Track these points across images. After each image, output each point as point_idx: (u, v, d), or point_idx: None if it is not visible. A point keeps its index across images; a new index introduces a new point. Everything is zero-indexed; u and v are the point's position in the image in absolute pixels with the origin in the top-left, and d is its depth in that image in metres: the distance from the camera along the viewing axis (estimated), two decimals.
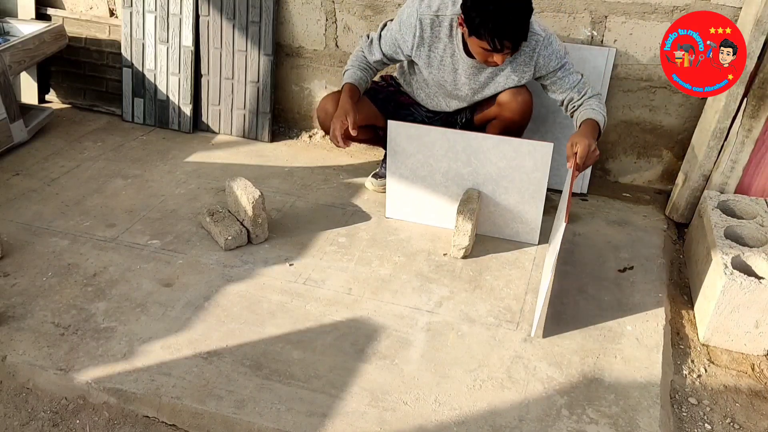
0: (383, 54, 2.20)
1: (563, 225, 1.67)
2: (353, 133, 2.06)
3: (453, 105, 2.29)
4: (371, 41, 2.22)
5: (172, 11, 2.85)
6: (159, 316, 1.86)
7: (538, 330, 1.80)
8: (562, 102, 2.12)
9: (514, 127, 2.20)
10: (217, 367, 1.69)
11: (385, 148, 2.51)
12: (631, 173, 2.66)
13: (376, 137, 2.44)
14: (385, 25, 2.21)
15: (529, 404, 1.61)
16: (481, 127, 2.30)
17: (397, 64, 2.37)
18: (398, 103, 2.39)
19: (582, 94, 2.08)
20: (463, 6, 1.90)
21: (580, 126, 2.02)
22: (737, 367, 1.83)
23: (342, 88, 2.19)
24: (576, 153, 1.85)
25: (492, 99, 2.21)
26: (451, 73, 2.15)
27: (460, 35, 2.06)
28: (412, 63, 2.24)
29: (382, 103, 2.36)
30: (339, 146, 2.12)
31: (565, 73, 2.08)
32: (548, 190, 2.21)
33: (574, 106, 2.09)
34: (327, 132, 2.36)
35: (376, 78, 2.46)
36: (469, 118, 2.35)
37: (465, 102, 2.26)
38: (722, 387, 1.77)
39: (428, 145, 2.15)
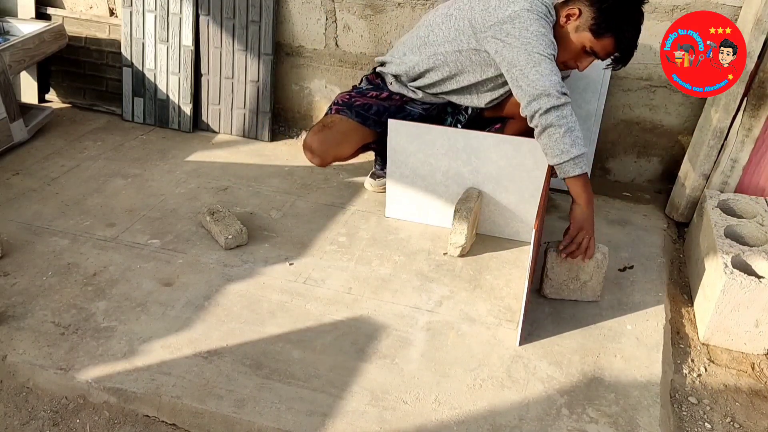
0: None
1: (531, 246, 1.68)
2: None
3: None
4: (564, 87, 1.86)
5: (172, 10, 2.85)
6: (159, 315, 1.86)
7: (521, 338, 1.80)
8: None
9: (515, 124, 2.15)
10: (217, 367, 1.69)
11: (374, 152, 2.49)
12: (631, 172, 2.66)
13: (365, 149, 2.38)
14: (542, 61, 1.86)
15: (529, 403, 1.61)
16: (491, 121, 2.24)
17: (393, 68, 2.24)
18: (393, 108, 2.25)
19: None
20: (594, 2, 1.86)
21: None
22: (737, 367, 1.83)
23: (584, 178, 1.86)
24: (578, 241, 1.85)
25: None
26: None
27: None
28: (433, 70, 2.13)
29: (374, 117, 2.22)
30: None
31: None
32: (549, 189, 2.21)
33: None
34: (316, 165, 2.24)
35: (363, 85, 2.30)
36: (477, 111, 2.25)
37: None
38: (722, 386, 1.77)
39: (429, 143, 2.15)
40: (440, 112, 2.29)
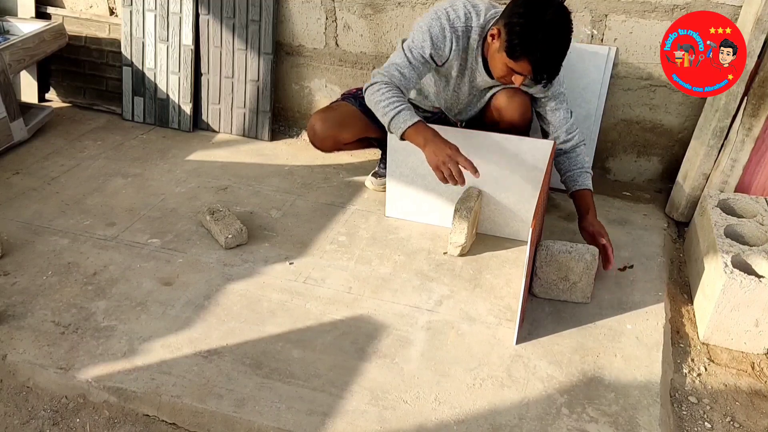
0: (418, 78, 2.02)
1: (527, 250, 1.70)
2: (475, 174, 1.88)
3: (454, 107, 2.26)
4: (400, 72, 1.96)
5: (172, 10, 2.85)
6: (159, 314, 1.86)
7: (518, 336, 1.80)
8: (547, 136, 2.16)
9: (516, 132, 2.17)
10: (217, 366, 1.69)
11: (380, 148, 2.52)
12: (631, 172, 2.66)
13: (368, 145, 2.44)
14: (395, 64, 1.98)
15: (529, 403, 1.61)
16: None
17: None
18: None
19: (570, 136, 2.12)
20: (507, 24, 1.83)
21: (581, 198, 2.13)
22: (737, 366, 1.83)
23: (414, 128, 1.87)
24: (606, 245, 1.99)
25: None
26: (465, 84, 2.12)
27: (480, 49, 2.01)
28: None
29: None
30: (459, 183, 1.88)
31: (559, 105, 2.09)
32: (549, 188, 2.22)
33: (559, 149, 2.13)
34: (316, 146, 2.29)
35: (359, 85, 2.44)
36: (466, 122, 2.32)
37: (454, 112, 2.25)
38: (722, 386, 1.77)
39: None
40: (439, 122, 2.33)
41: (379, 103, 1.92)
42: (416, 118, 1.88)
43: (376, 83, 1.96)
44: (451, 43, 1.98)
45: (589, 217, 2.07)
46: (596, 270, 1.90)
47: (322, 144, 2.26)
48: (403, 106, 1.89)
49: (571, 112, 2.14)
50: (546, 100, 2.09)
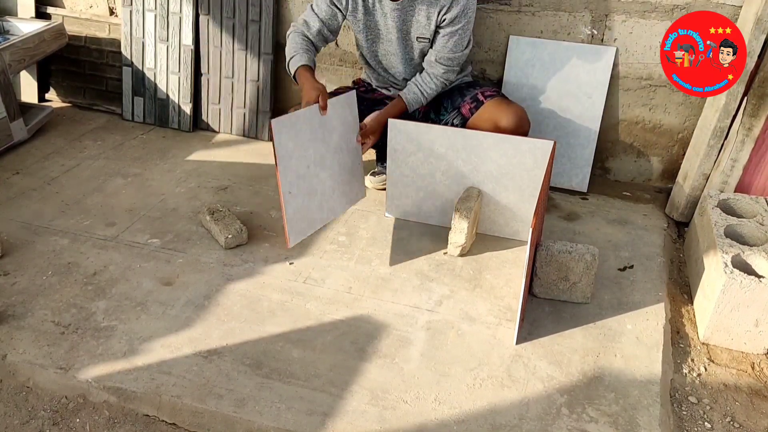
0: (321, 21, 2.20)
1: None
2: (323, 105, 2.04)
3: (398, 66, 2.31)
4: (305, 19, 2.22)
5: (172, 10, 2.85)
6: (159, 314, 1.86)
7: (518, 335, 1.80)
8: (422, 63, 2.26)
9: None
10: (218, 366, 1.69)
11: (374, 148, 2.53)
12: (631, 172, 2.66)
13: None
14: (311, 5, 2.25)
15: (529, 403, 1.61)
16: None
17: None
18: (371, 101, 2.40)
19: (439, 61, 2.18)
20: None
21: (393, 102, 2.26)
22: (737, 366, 1.83)
23: (296, 74, 2.13)
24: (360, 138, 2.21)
25: (485, 112, 2.23)
26: (382, 17, 2.20)
27: None
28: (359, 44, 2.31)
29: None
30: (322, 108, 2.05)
31: (451, 36, 2.14)
32: (549, 188, 2.22)
33: (423, 67, 2.26)
34: None
35: (349, 84, 2.50)
36: (457, 124, 2.32)
37: (401, 55, 2.26)
38: (722, 386, 1.77)
39: (428, 143, 2.15)
40: (423, 116, 2.41)
41: (286, 47, 2.21)
42: (297, 66, 2.12)
43: (289, 34, 2.23)
44: None
45: (377, 115, 2.23)
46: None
47: None
48: (294, 55, 2.15)
49: (466, 60, 2.32)
50: (446, 26, 2.13)
